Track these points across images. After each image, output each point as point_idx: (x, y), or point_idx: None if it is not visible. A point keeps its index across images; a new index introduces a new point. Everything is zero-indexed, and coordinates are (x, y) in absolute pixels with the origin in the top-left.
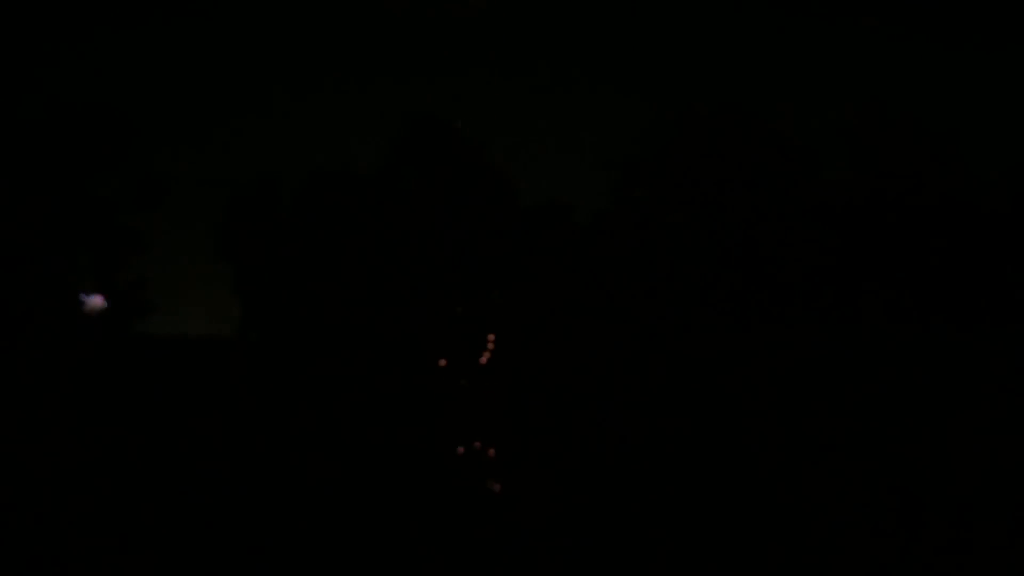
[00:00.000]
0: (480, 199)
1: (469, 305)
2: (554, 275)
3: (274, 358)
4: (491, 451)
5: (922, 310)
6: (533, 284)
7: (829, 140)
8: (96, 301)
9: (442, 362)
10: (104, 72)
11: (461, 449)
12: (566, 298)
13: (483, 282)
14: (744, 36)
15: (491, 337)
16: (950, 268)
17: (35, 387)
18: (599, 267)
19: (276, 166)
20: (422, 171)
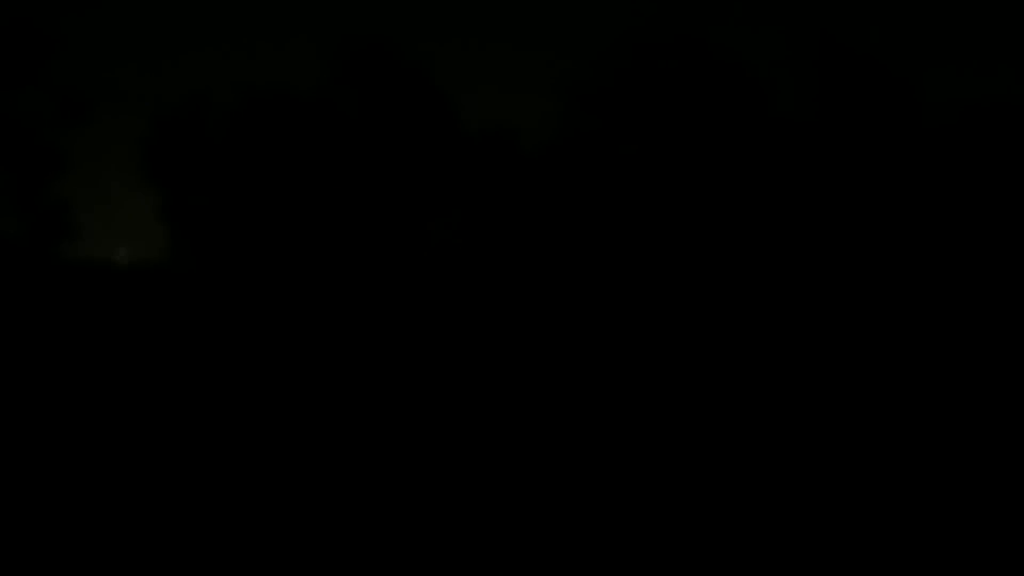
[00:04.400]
0: (420, 123)
1: (407, 236)
2: (498, 206)
3: (212, 290)
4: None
5: (869, 241)
6: (475, 215)
7: (782, 72)
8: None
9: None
10: None
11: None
12: (511, 232)
13: (422, 211)
14: None
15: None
16: (896, 200)
17: None
18: (546, 199)
19: (206, 84)
20: (360, 93)
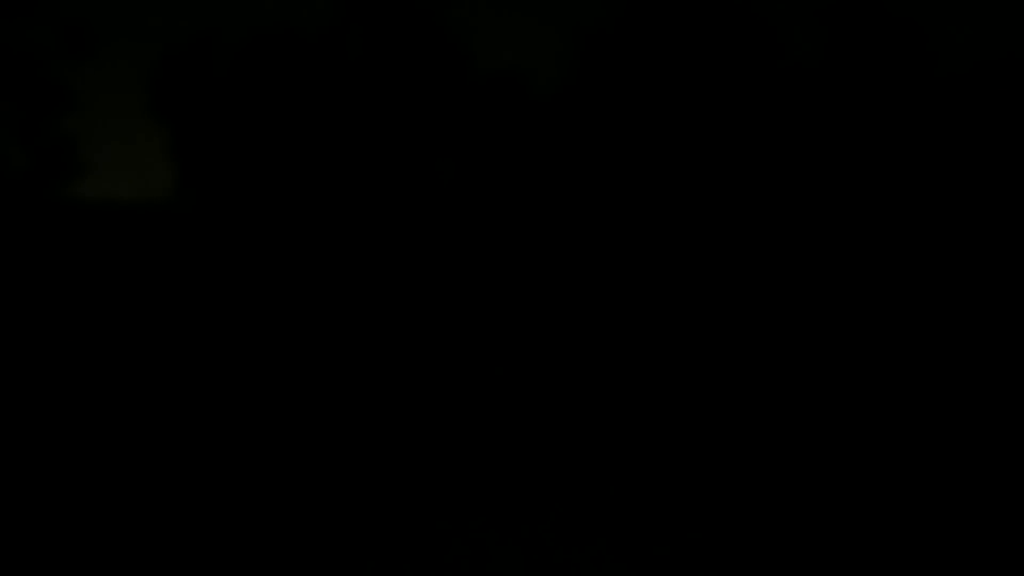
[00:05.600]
0: (429, 63)
1: (418, 181)
2: (507, 147)
3: (217, 229)
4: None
5: (883, 193)
6: (486, 159)
7: (798, 22)
8: None
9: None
10: None
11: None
12: (522, 179)
13: (430, 152)
14: None
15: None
16: (905, 149)
17: None
18: (559, 144)
19: (215, 21)
20: (369, 32)
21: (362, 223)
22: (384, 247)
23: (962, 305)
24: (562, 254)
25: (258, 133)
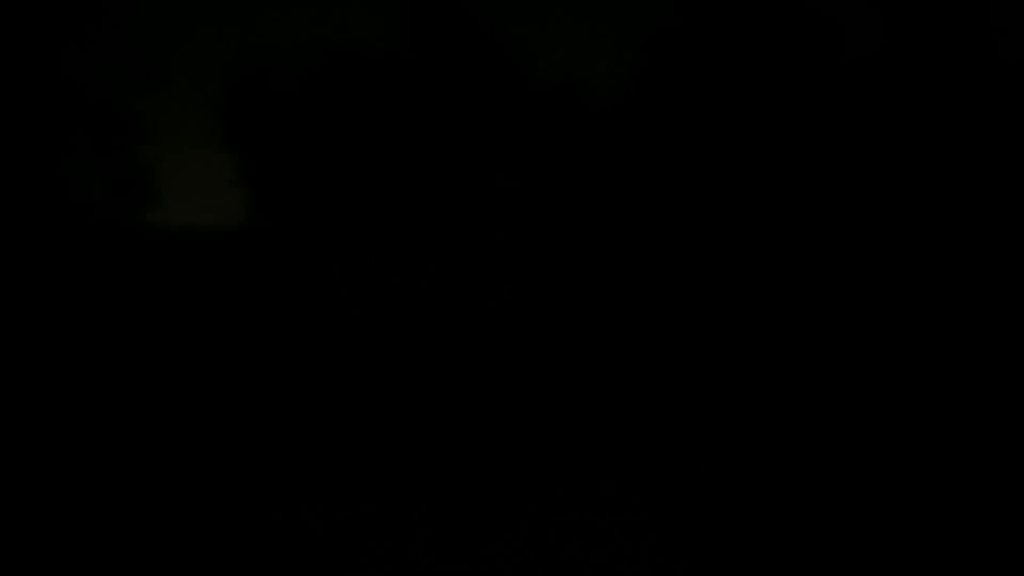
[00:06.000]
0: (489, 77)
1: (477, 193)
2: (567, 162)
3: (289, 254)
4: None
5: (942, 190)
6: (544, 171)
7: (857, 15)
8: None
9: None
10: None
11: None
12: (580, 189)
13: (490, 166)
14: None
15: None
16: (977, 148)
17: (29, 283)
18: (617, 155)
19: (278, 44)
20: (430, 47)
21: (428, 240)
22: (452, 263)
23: (998, 306)
24: (624, 265)
25: (325, 155)
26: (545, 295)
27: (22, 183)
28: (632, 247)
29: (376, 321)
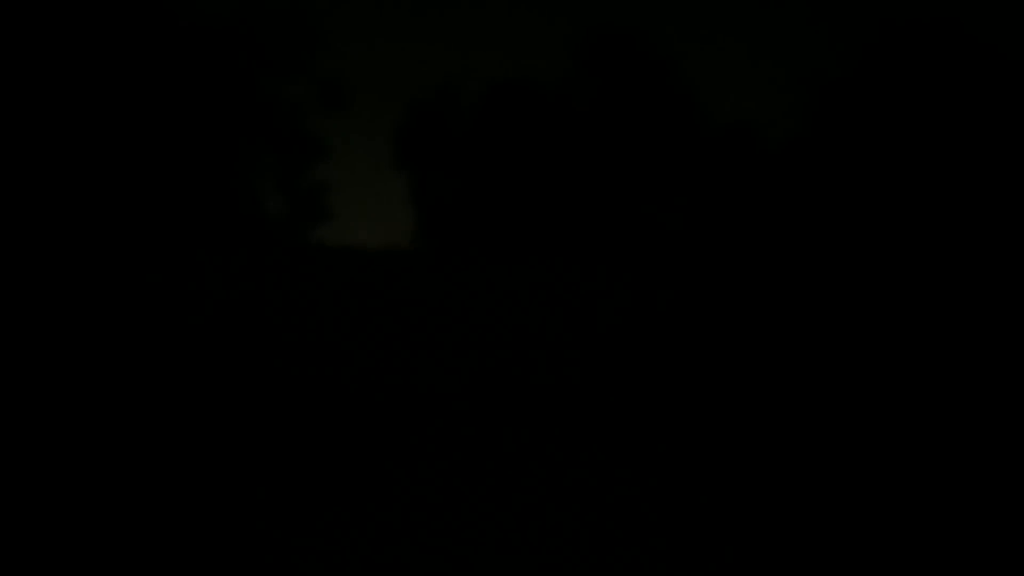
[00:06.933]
0: (662, 117)
1: (643, 230)
2: (739, 204)
3: (455, 274)
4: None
5: None
6: (714, 210)
7: None
8: None
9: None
10: None
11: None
12: (751, 232)
13: (659, 205)
14: None
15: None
16: None
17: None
18: (791, 198)
19: (457, 74)
20: (604, 84)
21: (592, 273)
22: (615, 296)
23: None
24: (795, 312)
25: (495, 183)
26: (708, 333)
27: (209, 195)
28: (801, 289)
29: (533, 344)
